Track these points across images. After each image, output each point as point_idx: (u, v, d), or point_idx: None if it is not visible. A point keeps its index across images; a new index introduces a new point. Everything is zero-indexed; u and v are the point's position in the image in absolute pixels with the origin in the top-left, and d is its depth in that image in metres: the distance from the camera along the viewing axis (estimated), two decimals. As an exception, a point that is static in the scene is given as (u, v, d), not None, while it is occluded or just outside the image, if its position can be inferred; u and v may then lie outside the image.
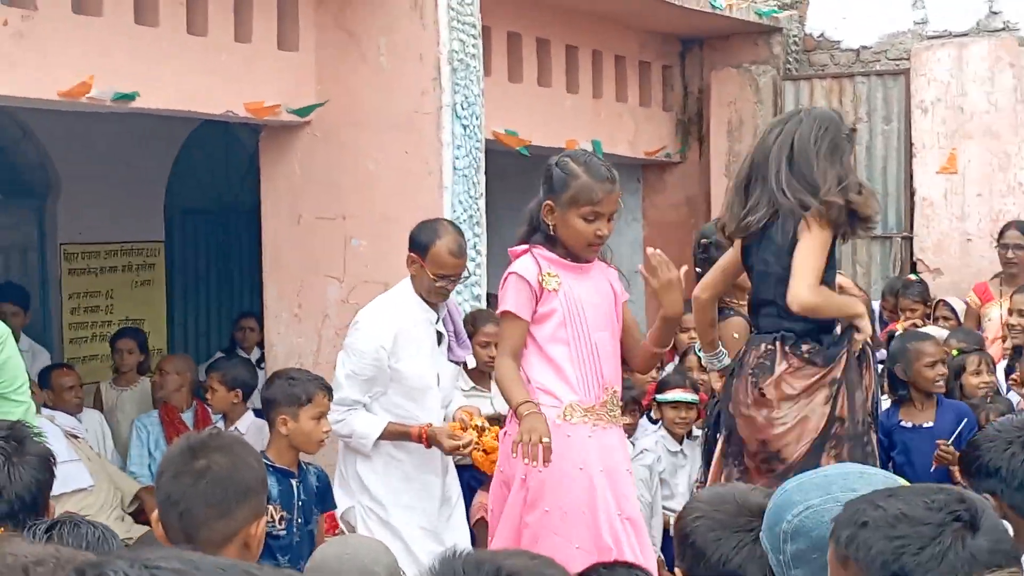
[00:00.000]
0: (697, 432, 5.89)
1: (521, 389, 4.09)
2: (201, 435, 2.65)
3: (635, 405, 6.12)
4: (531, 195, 4.34)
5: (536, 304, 4.15)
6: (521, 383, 4.12)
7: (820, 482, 2.08)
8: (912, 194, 8.93)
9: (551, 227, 4.16)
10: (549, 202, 4.15)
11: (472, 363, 5.78)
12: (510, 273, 4.20)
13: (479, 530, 5.27)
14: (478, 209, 6.35)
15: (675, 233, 9.42)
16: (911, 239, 8.91)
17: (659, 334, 4.34)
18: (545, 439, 3.90)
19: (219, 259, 10.24)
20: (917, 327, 6.95)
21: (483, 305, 6.29)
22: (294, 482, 4.58)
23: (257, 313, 7.62)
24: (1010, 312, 6.82)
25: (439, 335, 4.98)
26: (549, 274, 4.15)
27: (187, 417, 6.93)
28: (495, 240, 6.56)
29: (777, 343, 4.20)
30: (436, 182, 6.18)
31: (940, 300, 7.78)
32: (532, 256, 4.18)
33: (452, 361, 5.08)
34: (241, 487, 2.52)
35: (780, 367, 4.17)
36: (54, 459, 3.21)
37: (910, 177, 8.93)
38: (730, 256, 4.46)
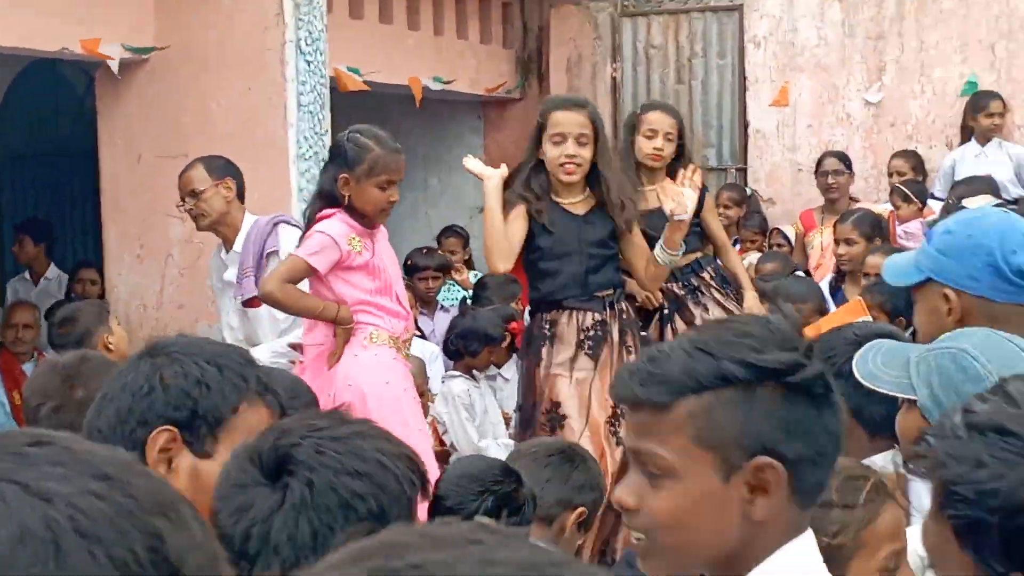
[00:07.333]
0: None
1: (317, 299, 4.43)
2: None
3: None
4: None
5: (340, 263, 4.40)
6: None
7: None
8: (746, 127, 9.16)
9: (347, 198, 4.40)
10: (345, 175, 4.38)
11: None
12: (318, 232, 4.41)
13: None
14: (324, 146, 6.31)
15: (517, 169, 9.50)
16: (745, 170, 9.16)
17: None
18: None
19: (54, 204, 9.97)
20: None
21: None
22: None
23: (95, 261, 7.43)
24: (836, 242, 6.65)
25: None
26: (354, 238, 4.44)
27: (28, 367, 6.77)
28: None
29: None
30: (281, 119, 6.13)
31: (775, 228, 8.05)
32: (341, 221, 4.42)
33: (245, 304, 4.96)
34: None
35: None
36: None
37: (744, 110, 9.16)
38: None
